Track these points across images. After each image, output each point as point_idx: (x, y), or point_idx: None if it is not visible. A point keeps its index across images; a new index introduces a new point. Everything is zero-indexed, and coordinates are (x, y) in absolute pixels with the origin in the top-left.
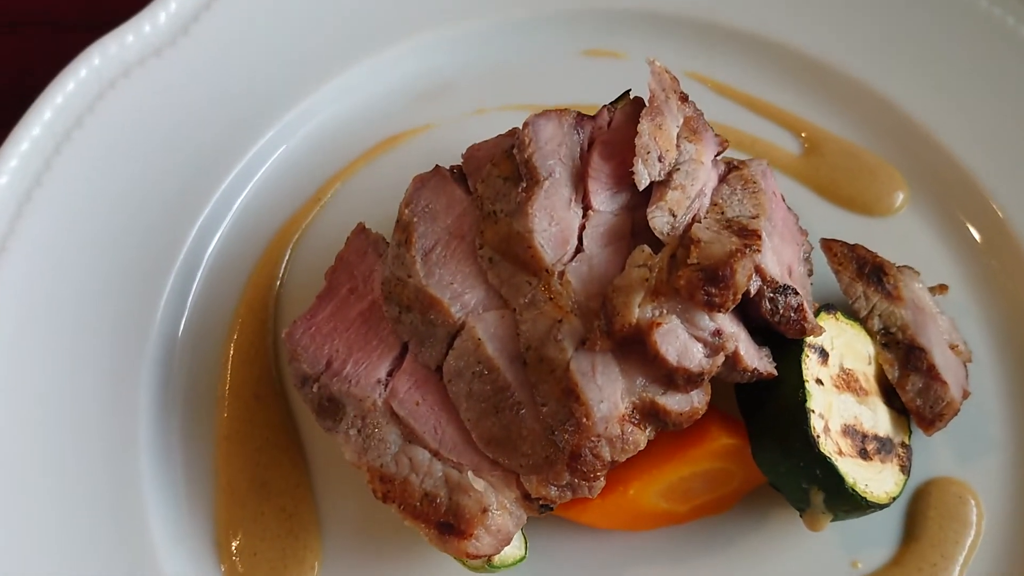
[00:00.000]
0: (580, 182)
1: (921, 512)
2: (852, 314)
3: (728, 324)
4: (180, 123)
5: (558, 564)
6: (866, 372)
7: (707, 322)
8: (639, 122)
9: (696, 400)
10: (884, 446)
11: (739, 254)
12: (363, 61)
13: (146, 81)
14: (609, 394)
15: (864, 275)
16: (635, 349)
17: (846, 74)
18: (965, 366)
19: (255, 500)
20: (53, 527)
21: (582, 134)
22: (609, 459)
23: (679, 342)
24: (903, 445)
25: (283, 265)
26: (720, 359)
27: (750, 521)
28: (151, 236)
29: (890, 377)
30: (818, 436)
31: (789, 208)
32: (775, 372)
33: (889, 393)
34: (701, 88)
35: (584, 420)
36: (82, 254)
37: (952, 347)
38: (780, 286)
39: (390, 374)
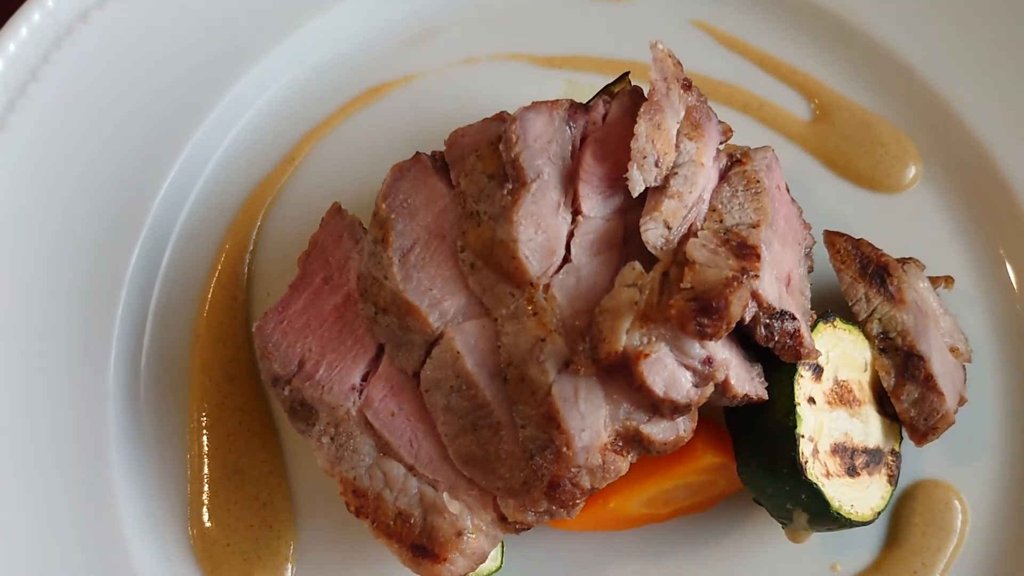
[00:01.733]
0: (570, 184)
1: (905, 518)
2: (850, 316)
3: (719, 351)
4: (141, 77)
5: (534, 565)
6: (861, 380)
7: (697, 350)
8: (636, 122)
9: (682, 428)
10: (873, 458)
11: (735, 283)
12: (340, 4)
13: (105, 27)
14: (592, 422)
15: (867, 276)
16: (621, 373)
17: (865, 32)
18: (964, 368)
19: (228, 489)
20: (17, 517)
21: (574, 129)
22: (589, 487)
23: (667, 372)
24: (893, 453)
25: (253, 234)
26: (709, 389)
27: (730, 520)
28: (114, 204)
29: (885, 385)
30: (806, 461)
31: (793, 200)
32: (766, 396)
33: (883, 399)
34: (708, 40)
35: (564, 450)
36: (40, 224)
37: (952, 349)
38: (776, 312)
39: (365, 378)
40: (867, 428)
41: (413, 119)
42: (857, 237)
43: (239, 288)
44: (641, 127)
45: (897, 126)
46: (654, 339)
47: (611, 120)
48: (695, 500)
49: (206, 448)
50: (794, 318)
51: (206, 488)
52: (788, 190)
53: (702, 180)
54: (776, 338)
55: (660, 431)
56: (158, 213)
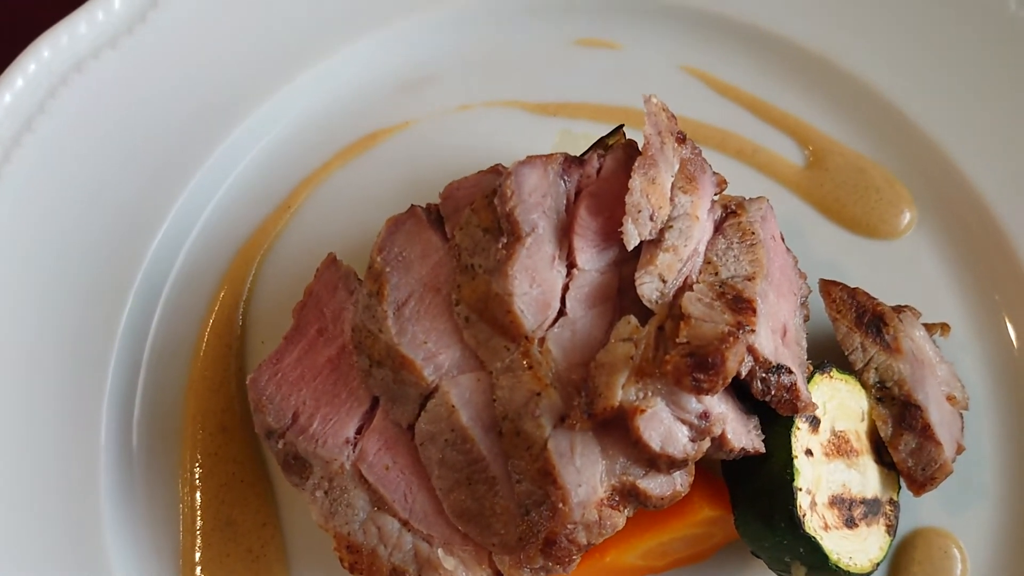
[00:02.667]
0: (565, 238)
1: (904, 567)
2: (847, 366)
3: (716, 405)
4: (136, 125)
5: None
6: (858, 430)
7: (694, 404)
8: (631, 176)
9: (678, 483)
10: (871, 508)
11: (731, 339)
12: (337, 51)
13: (101, 75)
14: (588, 477)
15: (863, 325)
16: (617, 427)
17: (856, 77)
18: (961, 416)
19: (220, 541)
20: (2, 568)
21: (568, 183)
22: (585, 543)
23: (663, 427)
24: (891, 502)
25: (248, 282)
26: (706, 444)
27: (728, 571)
28: (108, 251)
29: (883, 435)
30: (804, 515)
31: (788, 250)
32: (763, 449)
33: (880, 449)
34: (699, 86)
35: (560, 505)
36: (33, 271)
37: (949, 398)
38: (773, 366)
39: (359, 431)
40: (865, 479)
41: (409, 166)
42: (853, 286)
43: (233, 336)
44: (636, 182)
45: (890, 171)
46: (650, 394)
47: (605, 174)
48: (692, 551)
49: (199, 500)
50: (790, 372)
51: (198, 541)
52: (783, 239)
53: (697, 233)
54: (773, 392)
55: (657, 486)
56: (153, 260)
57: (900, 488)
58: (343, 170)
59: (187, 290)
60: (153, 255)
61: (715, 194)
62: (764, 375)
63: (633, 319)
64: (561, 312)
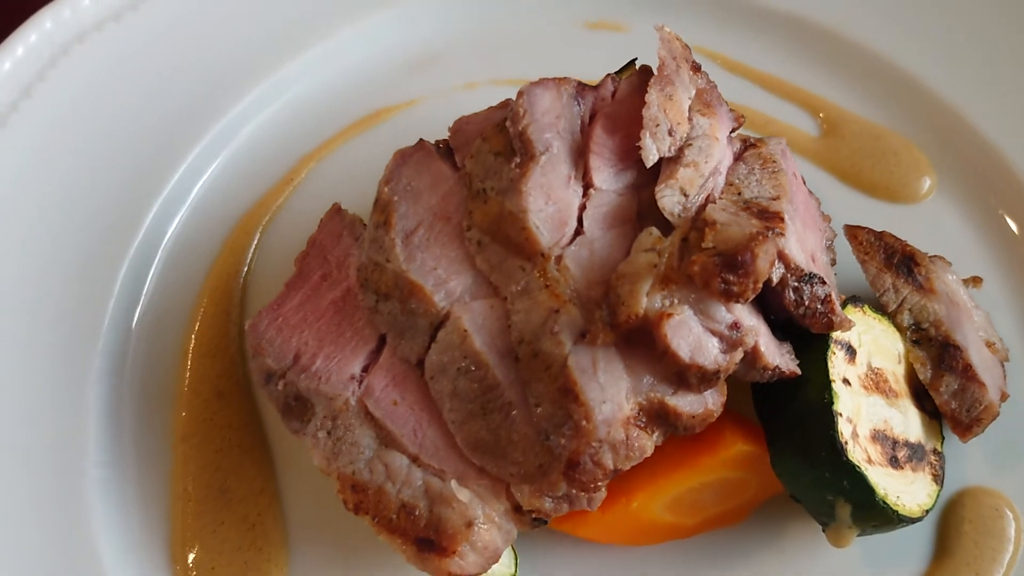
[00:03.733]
0: (580, 158)
1: (954, 526)
2: (880, 308)
3: (747, 316)
4: (139, 94)
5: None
6: (895, 372)
7: (723, 314)
8: (647, 92)
9: (710, 401)
10: (916, 453)
11: (760, 237)
12: (343, 30)
13: (101, 48)
14: (612, 394)
15: (893, 265)
16: (642, 343)
17: (865, 47)
18: (1003, 366)
19: (214, 508)
20: None
21: (583, 106)
22: (612, 467)
23: (692, 336)
24: (935, 452)
25: (251, 251)
26: (738, 355)
27: (765, 534)
28: (104, 216)
29: (922, 378)
30: (846, 442)
31: (810, 192)
32: (798, 371)
33: (920, 395)
34: (710, 64)
35: (584, 423)
36: (29, 235)
37: (988, 345)
38: (805, 274)
39: (365, 369)
40: (906, 421)
41: (414, 142)
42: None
43: (233, 304)
44: (652, 96)
45: (906, 137)
46: (676, 301)
47: (620, 96)
48: (725, 507)
49: (192, 466)
50: (824, 282)
51: (190, 508)
52: (804, 182)
53: (717, 153)
54: (807, 303)
55: (687, 404)
56: (149, 228)
57: (944, 439)
58: (347, 146)
59: (183, 261)
60: (149, 226)
61: (732, 130)
62: (797, 284)
63: (655, 231)
64: (578, 231)
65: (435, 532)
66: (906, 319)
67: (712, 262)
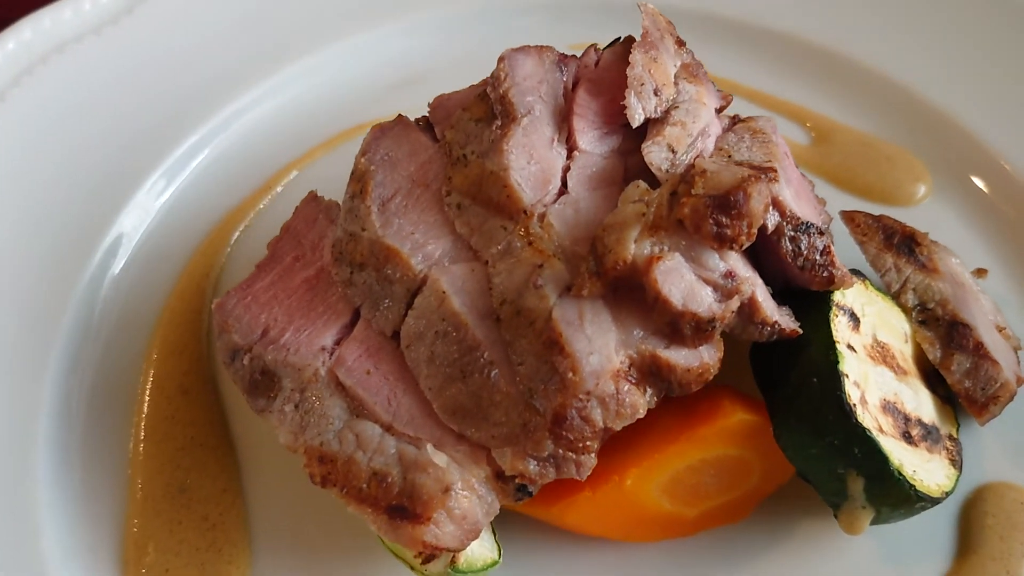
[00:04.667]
0: (564, 122)
1: (976, 520)
2: (882, 289)
3: (742, 267)
4: (117, 101)
5: None
6: (903, 351)
7: (717, 262)
8: (631, 53)
9: (706, 355)
10: (930, 434)
11: (753, 179)
12: (328, 47)
13: (81, 59)
14: (600, 346)
15: (893, 246)
16: (631, 296)
17: (850, 59)
18: (1016, 353)
19: (172, 507)
20: None
21: (566, 73)
22: (601, 425)
23: (684, 283)
24: (951, 438)
25: (225, 254)
26: (734, 304)
27: (772, 532)
28: (73, 214)
29: (931, 358)
30: (854, 405)
31: (803, 175)
32: (799, 329)
33: (931, 380)
34: None
35: (570, 375)
36: None
37: (999, 329)
38: (802, 223)
39: (337, 343)
40: (918, 400)
41: None
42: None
43: (203, 304)
44: (637, 57)
45: (898, 144)
46: (667, 249)
47: (604, 64)
48: (727, 497)
49: (151, 464)
50: (822, 233)
51: (147, 507)
52: (796, 166)
53: (705, 115)
54: (805, 253)
55: (682, 357)
56: (119, 231)
57: (959, 426)
58: (327, 157)
59: (157, 261)
60: (121, 225)
61: (720, 108)
62: (793, 233)
63: (643, 183)
64: (562, 192)
65: (408, 499)
66: (911, 299)
67: (703, 203)
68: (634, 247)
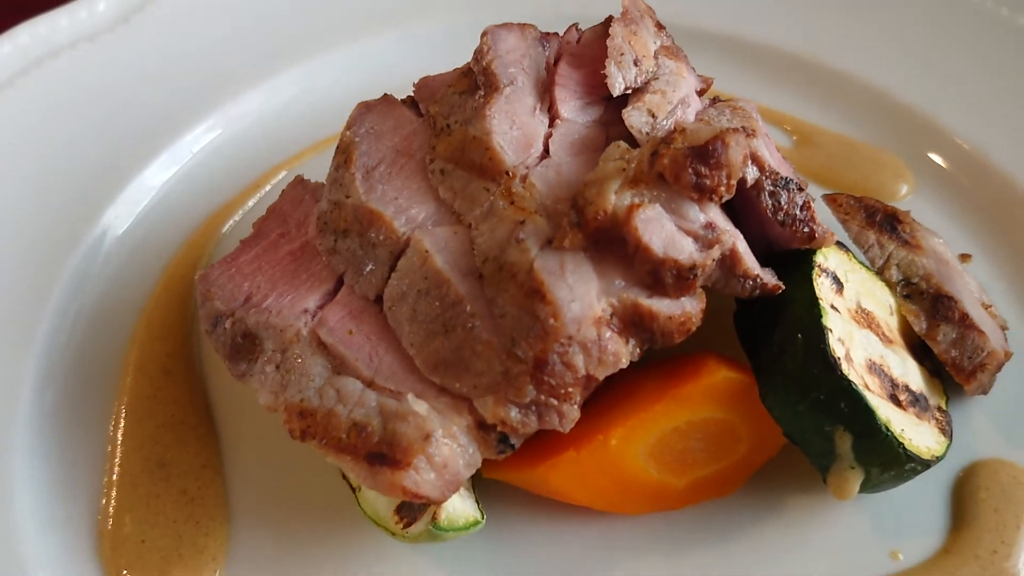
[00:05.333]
0: (546, 93)
1: (970, 495)
2: (867, 265)
3: (722, 220)
4: (115, 98)
5: (526, 557)
6: (888, 322)
7: (696, 213)
8: (611, 27)
9: (688, 305)
10: (918, 402)
11: (731, 131)
12: (317, 58)
13: (74, 65)
14: (582, 293)
15: (876, 223)
16: (612, 251)
17: (829, 66)
18: (1003, 332)
19: (151, 481)
20: None
21: (548, 49)
22: (583, 371)
23: (665, 232)
24: (940, 410)
25: (212, 247)
26: (715, 252)
27: (763, 506)
28: (67, 199)
29: (917, 330)
30: (839, 358)
31: (784, 159)
32: (782, 285)
33: (918, 354)
34: None
35: (551, 321)
36: None
37: (985, 307)
38: (781, 178)
39: (320, 307)
40: (905, 367)
41: None
42: None
43: (190, 294)
44: (616, 29)
45: (878, 146)
46: (647, 201)
47: (586, 41)
48: (714, 468)
49: (130, 440)
50: (802, 189)
51: (125, 480)
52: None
53: (685, 87)
54: (785, 208)
55: (664, 306)
56: (107, 222)
57: (948, 399)
58: (318, 158)
59: (145, 251)
60: (109, 216)
61: (700, 91)
62: (773, 188)
63: (623, 143)
64: (544, 156)
65: (388, 446)
66: (894, 274)
67: (682, 153)
68: (615, 198)
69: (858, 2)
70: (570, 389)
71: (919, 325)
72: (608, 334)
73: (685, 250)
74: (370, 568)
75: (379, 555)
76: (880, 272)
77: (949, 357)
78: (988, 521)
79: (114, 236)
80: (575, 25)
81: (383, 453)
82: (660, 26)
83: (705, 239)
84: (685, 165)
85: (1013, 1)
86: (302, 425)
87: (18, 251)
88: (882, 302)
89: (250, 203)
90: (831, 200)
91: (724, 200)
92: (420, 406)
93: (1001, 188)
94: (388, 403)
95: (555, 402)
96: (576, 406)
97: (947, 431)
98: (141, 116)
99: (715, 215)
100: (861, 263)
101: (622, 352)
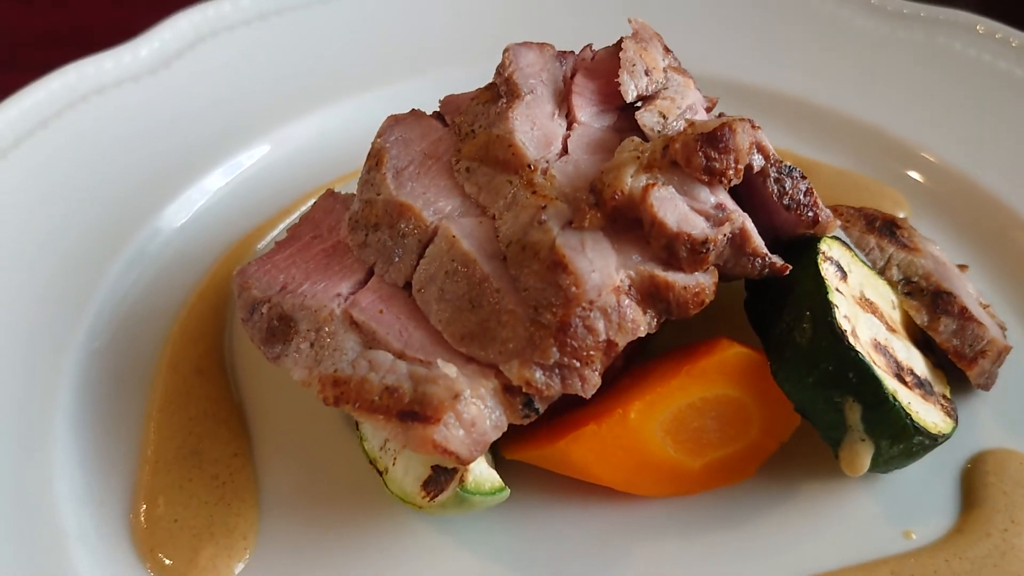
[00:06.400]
0: (564, 101)
1: (979, 479)
2: (868, 265)
3: (731, 202)
4: (170, 126)
5: (546, 540)
6: (891, 315)
7: (707, 195)
8: (622, 43)
9: (702, 278)
10: (923, 385)
11: (737, 119)
12: (360, 94)
13: (116, 103)
14: (601, 266)
15: (875, 228)
16: (629, 231)
17: (822, 105)
18: (1003, 332)
19: (182, 468)
20: None
21: (564, 64)
22: (604, 336)
23: (678, 210)
24: (944, 397)
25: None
26: (726, 228)
27: (777, 491)
28: (117, 208)
29: (919, 322)
30: (845, 331)
31: None
32: (789, 265)
33: (921, 348)
34: None
35: (573, 289)
36: (29, 225)
37: (984, 307)
38: (785, 165)
39: (352, 293)
40: (910, 354)
41: None
42: None
43: (221, 300)
44: (628, 44)
45: (874, 178)
46: (661, 182)
47: (599, 58)
48: (728, 450)
49: (164, 431)
50: (804, 177)
51: (159, 466)
52: None
53: (692, 96)
54: (790, 193)
55: (680, 278)
56: (147, 238)
57: (951, 389)
58: (354, 182)
59: (184, 258)
60: (152, 226)
61: (704, 108)
62: (777, 175)
63: (637, 138)
64: (563, 153)
65: (419, 405)
66: (895, 274)
67: (692, 138)
68: (631, 180)
69: (850, 49)
70: (591, 353)
71: (920, 318)
72: (627, 301)
73: (698, 226)
74: (394, 548)
75: (402, 537)
76: (881, 272)
77: (951, 345)
78: (998, 502)
79: (153, 248)
80: (589, 45)
81: (414, 411)
82: (667, 49)
83: (716, 218)
84: (696, 149)
85: (995, 49)
86: (336, 392)
87: (71, 251)
88: (884, 296)
89: (287, 222)
90: (832, 210)
91: (732, 184)
92: (449, 369)
93: (993, 209)
94: (418, 370)
95: (577, 364)
96: (597, 372)
97: (952, 415)
98: (197, 133)
99: (724, 198)
100: (863, 261)
101: (640, 320)
